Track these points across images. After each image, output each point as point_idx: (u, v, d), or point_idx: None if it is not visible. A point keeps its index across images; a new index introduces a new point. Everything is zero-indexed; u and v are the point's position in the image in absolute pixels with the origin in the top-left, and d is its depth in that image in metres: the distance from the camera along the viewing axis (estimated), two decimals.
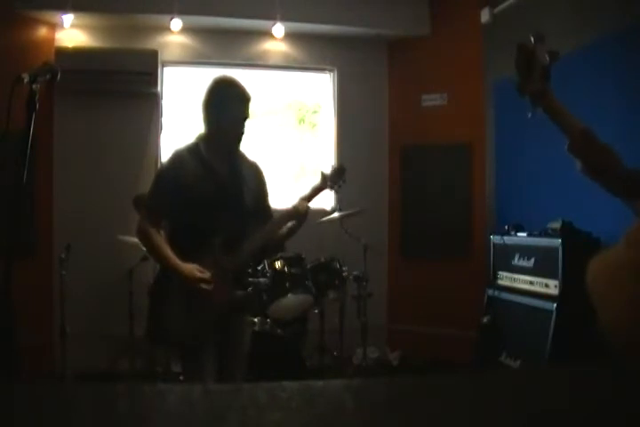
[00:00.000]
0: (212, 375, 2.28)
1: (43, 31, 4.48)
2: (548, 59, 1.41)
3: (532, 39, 1.42)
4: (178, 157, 2.35)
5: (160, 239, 2.28)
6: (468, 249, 4.64)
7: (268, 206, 2.55)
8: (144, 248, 2.51)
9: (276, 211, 2.57)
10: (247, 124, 2.37)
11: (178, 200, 2.26)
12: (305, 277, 3.51)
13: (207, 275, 2.26)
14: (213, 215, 2.29)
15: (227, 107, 2.32)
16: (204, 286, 2.24)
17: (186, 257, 2.26)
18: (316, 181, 2.54)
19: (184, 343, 2.32)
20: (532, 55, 1.42)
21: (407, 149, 4.98)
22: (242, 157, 2.45)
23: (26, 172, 1.64)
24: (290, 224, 2.48)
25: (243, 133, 2.37)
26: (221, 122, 2.32)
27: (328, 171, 2.55)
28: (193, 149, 2.35)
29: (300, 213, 2.43)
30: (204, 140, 2.37)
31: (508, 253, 3.55)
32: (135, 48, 4.53)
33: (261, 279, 3.35)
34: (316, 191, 2.50)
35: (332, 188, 2.53)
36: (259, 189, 2.48)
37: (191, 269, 2.24)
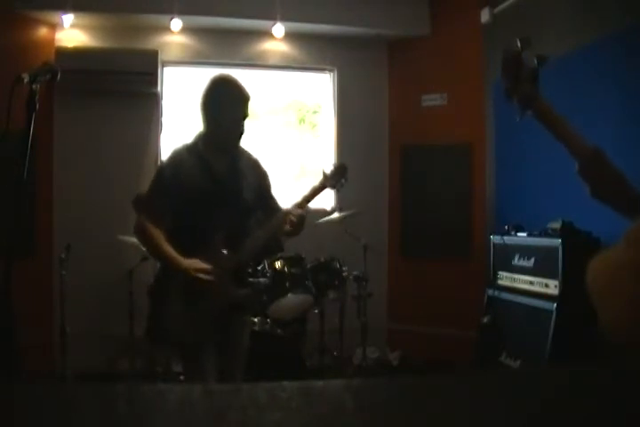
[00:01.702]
0: (212, 375, 2.28)
1: (43, 31, 4.48)
2: (536, 62, 1.41)
3: (519, 44, 1.43)
4: (176, 156, 2.36)
5: (159, 236, 2.28)
6: (468, 249, 4.64)
7: (272, 200, 2.53)
8: (143, 246, 2.51)
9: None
10: (246, 123, 2.37)
11: (177, 198, 2.26)
12: (305, 277, 3.51)
13: (207, 266, 2.25)
14: (212, 213, 2.29)
15: (225, 107, 2.31)
16: (203, 276, 2.23)
17: (186, 255, 2.26)
18: (318, 180, 2.51)
19: (184, 343, 2.32)
20: (518, 59, 1.42)
21: (407, 149, 4.98)
22: (242, 154, 2.45)
23: (26, 172, 1.64)
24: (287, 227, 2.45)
25: (242, 133, 2.36)
26: (220, 122, 2.32)
27: (329, 170, 2.53)
28: (192, 148, 2.36)
29: (293, 220, 2.36)
30: (203, 139, 2.38)
31: (508, 253, 3.55)
32: (135, 48, 4.53)
33: (261, 279, 3.37)
34: (318, 190, 2.48)
35: (334, 187, 2.50)
36: (259, 184, 2.47)
37: (191, 261, 2.25)
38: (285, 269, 3.48)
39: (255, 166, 2.49)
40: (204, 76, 4.83)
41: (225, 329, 2.36)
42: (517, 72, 1.41)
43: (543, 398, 0.67)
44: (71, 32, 4.50)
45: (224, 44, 4.78)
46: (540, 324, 3.06)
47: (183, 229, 2.31)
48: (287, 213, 2.37)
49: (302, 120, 5.29)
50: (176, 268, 2.25)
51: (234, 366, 2.42)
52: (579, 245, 3.03)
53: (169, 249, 2.26)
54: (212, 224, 2.29)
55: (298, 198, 2.45)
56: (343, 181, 2.51)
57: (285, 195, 3.97)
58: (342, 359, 3.99)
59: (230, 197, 2.33)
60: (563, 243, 3.06)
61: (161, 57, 4.55)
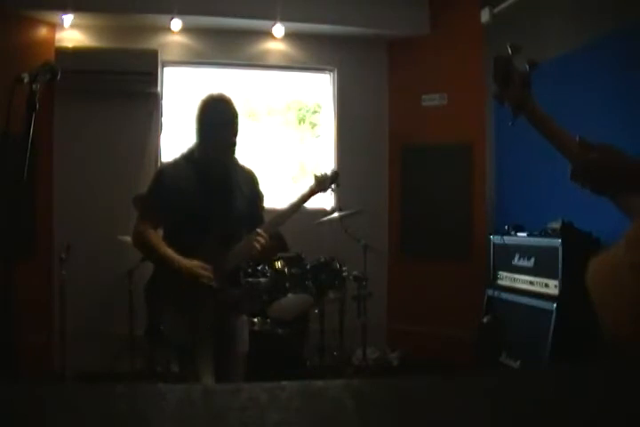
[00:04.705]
0: (209, 374, 2.29)
1: (43, 31, 4.48)
2: (527, 67, 1.43)
3: (510, 50, 1.44)
4: (173, 164, 2.45)
5: (157, 238, 2.38)
6: (469, 249, 4.64)
7: (260, 213, 2.58)
8: (141, 251, 2.54)
9: (276, 211, 2.58)
10: (237, 138, 2.40)
11: (172, 205, 2.33)
12: (305, 278, 3.51)
13: (206, 265, 2.31)
14: (205, 220, 2.35)
15: (216, 129, 2.35)
16: (203, 272, 2.28)
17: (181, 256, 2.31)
18: (310, 183, 2.60)
19: (179, 342, 2.34)
20: (509, 65, 1.43)
21: (407, 149, 4.97)
22: (238, 164, 2.51)
23: (26, 172, 1.64)
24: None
25: (234, 147, 2.40)
26: (212, 143, 2.37)
27: (321, 174, 2.61)
28: (189, 156, 2.43)
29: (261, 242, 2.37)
30: (198, 149, 2.43)
31: (508, 254, 3.55)
32: (135, 48, 4.53)
33: (261, 279, 3.38)
34: (309, 194, 2.56)
35: (324, 191, 2.59)
36: (252, 195, 2.53)
37: (191, 261, 2.30)
38: (285, 269, 3.48)
39: (251, 177, 2.55)
40: (204, 76, 4.86)
41: (221, 329, 2.38)
42: (508, 77, 1.42)
43: (543, 398, 0.67)
44: (71, 32, 4.50)
45: (224, 44, 4.78)
46: (540, 324, 3.06)
47: (177, 234, 2.37)
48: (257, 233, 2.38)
49: (302, 120, 5.28)
50: (175, 267, 2.29)
51: (230, 365, 2.43)
52: (579, 245, 3.03)
53: (167, 249, 2.32)
54: (204, 231, 2.34)
55: (287, 204, 2.52)
56: (334, 186, 2.62)
57: (285, 195, 3.99)
58: (342, 359, 3.99)
59: (223, 205, 2.38)
60: (563, 243, 3.06)
61: (161, 57, 4.55)
